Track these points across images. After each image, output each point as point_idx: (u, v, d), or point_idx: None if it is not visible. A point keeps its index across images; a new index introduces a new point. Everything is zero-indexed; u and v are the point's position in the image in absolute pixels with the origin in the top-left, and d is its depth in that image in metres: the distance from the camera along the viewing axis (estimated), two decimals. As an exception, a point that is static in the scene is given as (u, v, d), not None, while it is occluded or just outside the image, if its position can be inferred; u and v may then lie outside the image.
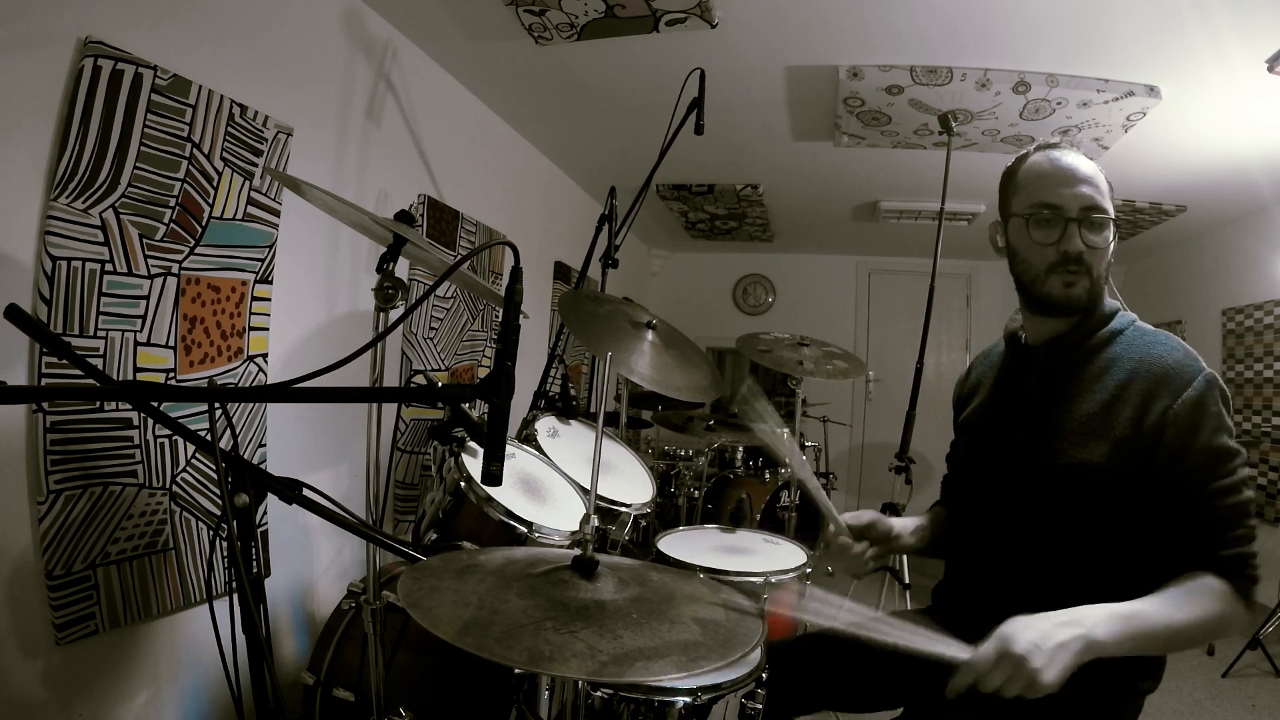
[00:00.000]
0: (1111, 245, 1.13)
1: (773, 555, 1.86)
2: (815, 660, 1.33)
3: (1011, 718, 1.09)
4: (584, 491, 1.76)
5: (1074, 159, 1.14)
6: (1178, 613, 0.95)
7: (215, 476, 1.31)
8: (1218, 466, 1.01)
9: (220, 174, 1.68)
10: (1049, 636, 0.89)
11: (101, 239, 1.42)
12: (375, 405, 1.33)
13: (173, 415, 1.22)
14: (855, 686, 1.30)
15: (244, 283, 1.78)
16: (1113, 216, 1.12)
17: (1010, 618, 0.93)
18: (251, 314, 1.81)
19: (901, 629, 0.99)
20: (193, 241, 1.63)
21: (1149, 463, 1.03)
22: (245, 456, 1.14)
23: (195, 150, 1.61)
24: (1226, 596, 0.97)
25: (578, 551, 0.93)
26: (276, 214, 1.85)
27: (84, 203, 1.38)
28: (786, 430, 1.50)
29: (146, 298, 1.53)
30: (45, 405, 1.33)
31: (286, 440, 1.95)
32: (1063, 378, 1.14)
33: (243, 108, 1.72)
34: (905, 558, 2.63)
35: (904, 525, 1.37)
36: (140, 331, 1.52)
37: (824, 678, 1.31)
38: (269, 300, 1.86)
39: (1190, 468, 1.01)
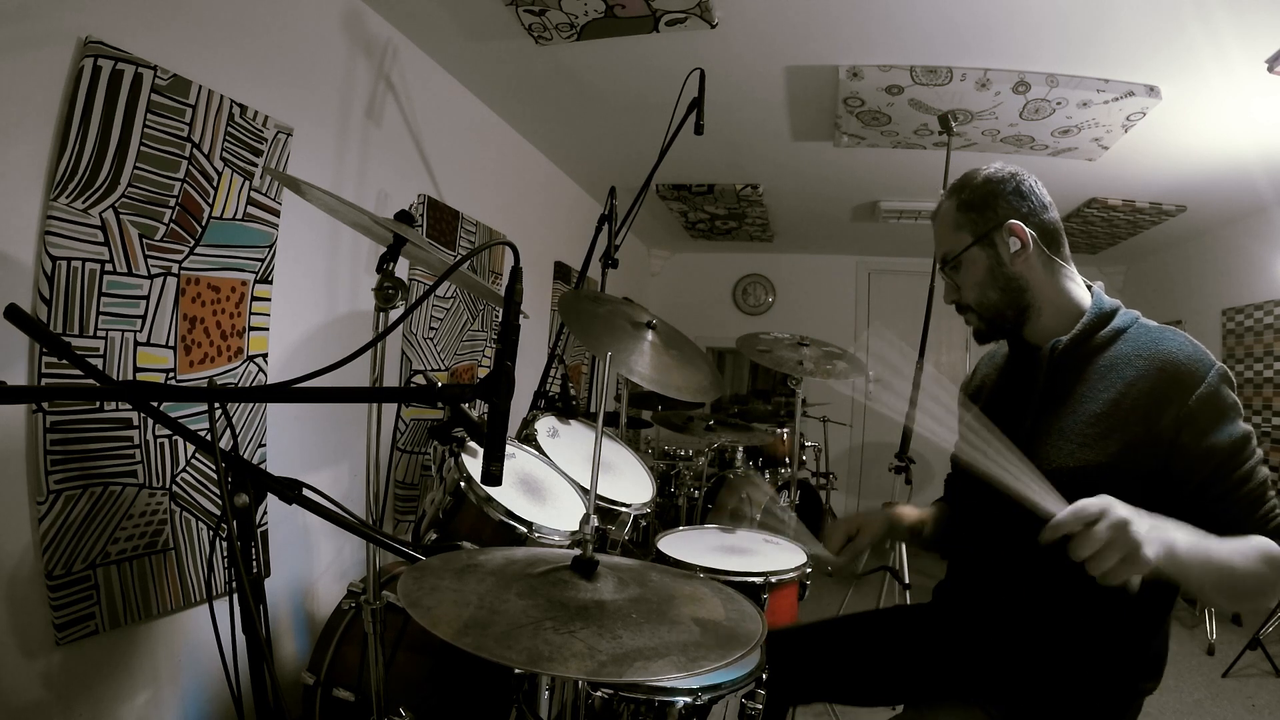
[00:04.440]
0: (979, 268, 1.18)
1: (773, 555, 1.86)
2: (814, 651, 1.33)
3: (1010, 715, 1.09)
4: (584, 491, 1.76)
5: (937, 209, 1.25)
6: (1233, 557, 0.93)
7: (215, 476, 1.31)
8: (1239, 454, 1.01)
9: (220, 174, 1.68)
10: (1146, 520, 0.86)
11: (101, 239, 1.42)
12: (375, 405, 1.33)
13: (173, 415, 1.22)
14: (854, 679, 1.30)
15: (244, 283, 1.78)
16: (963, 246, 1.19)
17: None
18: (251, 314, 1.81)
19: (1009, 466, 0.99)
20: (193, 241, 1.63)
21: (1166, 462, 1.02)
22: (245, 456, 1.14)
23: (195, 150, 1.61)
24: (1275, 559, 0.95)
25: (578, 551, 0.93)
26: (276, 214, 1.85)
27: (84, 203, 1.38)
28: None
29: (146, 298, 1.53)
30: (45, 405, 1.32)
31: (286, 440, 1.95)
32: (1067, 378, 1.14)
33: (243, 108, 1.72)
34: (905, 557, 2.63)
35: (904, 515, 1.39)
36: (140, 331, 1.52)
37: (823, 669, 1.31)
38: (269, 300, 1.86)
39: (1215, 464, 1.01)
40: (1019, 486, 0.94)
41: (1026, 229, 1.15)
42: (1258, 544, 0.96)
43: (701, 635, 0.82)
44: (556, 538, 1.51)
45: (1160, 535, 0.86)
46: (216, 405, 0.89)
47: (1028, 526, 1.13)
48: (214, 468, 1.64)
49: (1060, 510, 0.88)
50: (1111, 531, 0.83)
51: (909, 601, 2.55)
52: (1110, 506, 0.85)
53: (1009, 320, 1.18)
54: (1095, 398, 1.09)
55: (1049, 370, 1.16)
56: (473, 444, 1.58)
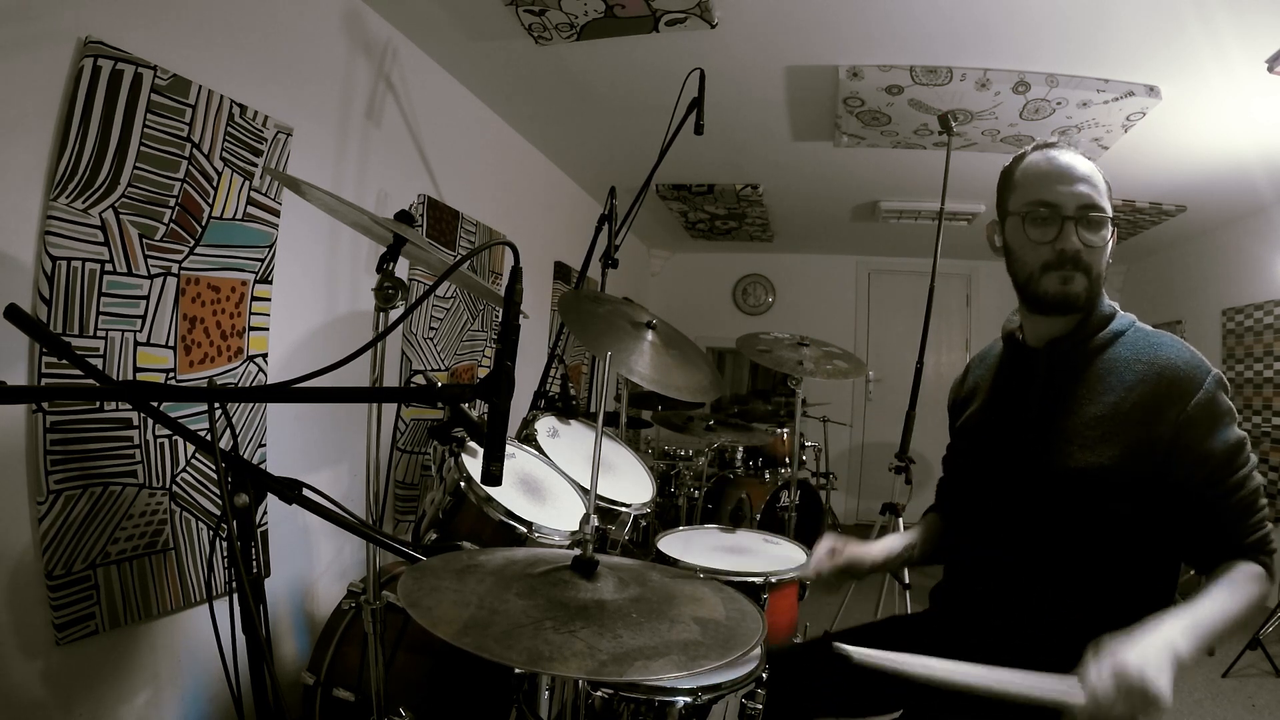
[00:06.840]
0: (1110, 244, 1.13)
1: (773, 555, 1.86)
2: (814, 667, 1.33)
3: (1010, 717, 1.09)
4: (584, 491, 1.76)
5: (1071, 158, 1.14)
6: (1230, 608, 0.96)
7: (215, 476, 1.31)
8: (1234, 460, 1.03)
9: (220, 174, 1.68)
10: (1149, 654, 0.86)
11: (101, 239, 1.42)
12: (375, 405, 1.33)
13: (173, 415, 1.22)
14: (854, 693, 1.29)
15: (244, 283, 1.78)
16: (1110, 215, 1.12)
17: (1092, 640, 0.89)
18: (251, 314, 1.81)
19: (986, 673, 0.93)
20: (193, 241, 1.63)
21: (1165, 466, 1.03)
22: (245, 456, 1.14)
23: (195, 150, 1.61)
24: (1260, 577, 0.99)
25: (578, 551, 0.93)
26: (276, 214, 1.85)
27: (84, 203, 1.38)
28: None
29: (146, 298, 1.52)
30: (45, 405, 1.32)
31: (286, 440, 1.95)
32: (1066, 380, 1.14)
33: (243, 108, 1.72)
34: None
35: (889, 548, 1.35)
36: (140, 331, 1.52)
37: (823, 684, 1.30)
38: (269, 300, 1.86)
39: (1210, 468, 1.02)
40: (1017, 689, 0.90)
41: None
42: (1240, 574, 0.99)
43: (702, 635, 0.82)
44: (556, 538, 1.51)
45: (1169, 659, 0.85)
46: (216, 405, 0.89)
47: (1029, 531, 1.13)
48: (214, 468, 1.64)
49: (1074, 695, 0.86)
50: (1131, 697, 0.82)
51: (909, 601, 2.55)
52: (1124, 669, 0.83)
53: (1094, 297, 1.14)
54: (1094, 400, 1.09)
55: (1047, 370, 1.16)
56: (473, 444, 1.58)
